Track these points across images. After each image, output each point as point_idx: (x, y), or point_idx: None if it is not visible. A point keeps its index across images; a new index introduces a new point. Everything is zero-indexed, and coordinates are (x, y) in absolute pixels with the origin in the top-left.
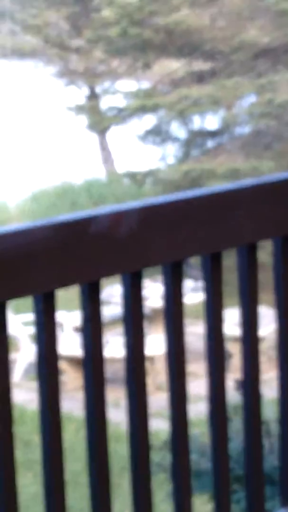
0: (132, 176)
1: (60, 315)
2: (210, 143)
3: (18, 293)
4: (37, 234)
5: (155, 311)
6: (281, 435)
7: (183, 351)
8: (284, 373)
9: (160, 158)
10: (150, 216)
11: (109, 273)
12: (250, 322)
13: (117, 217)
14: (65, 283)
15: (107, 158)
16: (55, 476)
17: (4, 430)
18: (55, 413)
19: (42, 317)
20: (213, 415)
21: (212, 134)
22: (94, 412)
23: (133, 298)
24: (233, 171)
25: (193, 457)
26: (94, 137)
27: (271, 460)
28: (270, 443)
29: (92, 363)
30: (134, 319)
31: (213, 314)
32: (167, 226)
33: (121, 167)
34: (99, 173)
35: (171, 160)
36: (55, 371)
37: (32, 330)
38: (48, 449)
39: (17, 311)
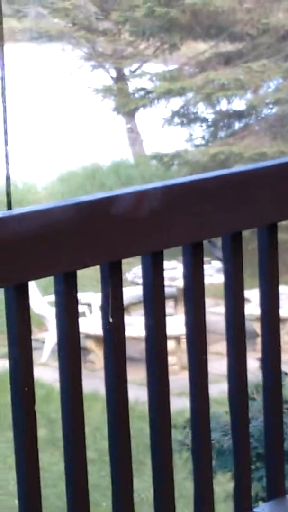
0: (160, 158)
1: (88, 296)
2: (237, 125)
3: (39, 274)
4: (58, 214)
5: (182, 292)
6: None
7: (204, 331)
8: None
9: (187, 139)
10: (171, 197)
11: (130, 253)
12: (270, 302)
13: (139, 198)
14: (85, 264)
15: (134, 140)
16: (77, 454)
17: (28, 408)
18: (76, 393)
19: (63, 298)
20: (234, 394)
21: (239, 115)
22: (115, 391)
23: (154, 279)
24: (261, 155)
25: (216, 435)
26: (121, 119)
27: None
28: None
29: (113, 342)
30: (155, 300)
31: (233, 294)
32: (187, 206)
33: (148, 149)
34: (127, 155)
35: (198, 142)
36: (77, 352)
37: None
38: (69, 429)
39: (46, 291)
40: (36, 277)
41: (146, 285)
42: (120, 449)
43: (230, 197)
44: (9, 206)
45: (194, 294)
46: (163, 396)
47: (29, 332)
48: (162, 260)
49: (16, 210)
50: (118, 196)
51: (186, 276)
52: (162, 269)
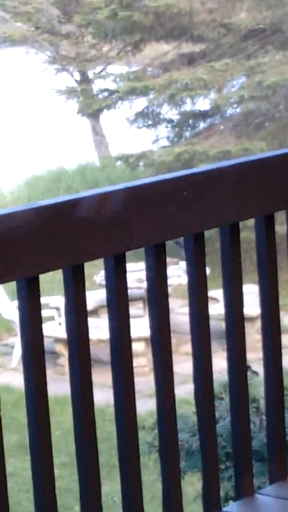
0: (125, 159)
1: (57, 299)
2: (201, 125)
3: (1, 278)
4: (18, 219)
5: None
6: (268, 412)
7: (169, 332)
8: (268, 350)
9: (153, 140)
10: (133, 199)
11: (92, 256)
12: (234, 301)
13: (100, 200)
14: (48, 268)
15: (100, 142)
16: (44, 459)
17: None
18: (42, 398)
19: (26, 302)
20: (200, 394)
21: (203, 115)
22: (80, 394)
23: (117, 281)
24: (225, 153)
25: (184, 436)
26: (86, 122)
27: (261, 438)
28: (261, 420)
29: (78, 345)
30: (118, 302)
31: (197, 294)
32: (149, 208)
33: (114, 151)
34: (93, 158)
35: (164, 143)
36: (41, 356)
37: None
38: (35, 433)
39: (14, 296)
40: None
41: (110, 288)
42: (87, 452)
43: (191, 197)
44: None
45: (157, 295)
46: (129, 398)
47: None
48: (125, 262)
49: None
50: (79, 199)
51: (149, 278)
52: (125, 271)
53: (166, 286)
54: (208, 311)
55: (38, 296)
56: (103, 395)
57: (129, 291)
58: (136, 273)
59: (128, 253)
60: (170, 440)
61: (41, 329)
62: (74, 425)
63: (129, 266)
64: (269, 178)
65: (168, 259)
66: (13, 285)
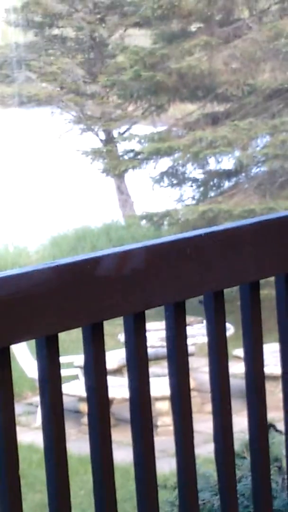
0: (150, 217)
1: (81, 358)
2: (226, 184)
3: (20, 337)
4: (37, 278)
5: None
6: None
7: (189, 392)
8: None
9: (178, 199)
10: (153, 257)
11: (111, 314)
12: (255, 359)
13: (120, 259)
14: (67, 326)
15: (125, 201)
16: None
17: (12, 474)
18: (61, 458)
19: (46, 361)
20: (220, 454)
21: (228, 174)
22: (99, 454)
23: (136, 339)
24: (250, 212)
25: (206, 495)
26: (111, 181)
27: (283, 497)
28: (283, 480)
29: (97, 405)
30: (138, 361)
31: (217, 353)
32: (169, 266)
33: (139, 210)
34: (117, 216)
35: (189, 202)
36: (61, 417)
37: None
38: (55, 495)
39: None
40: (17, 341)
41: (129, 346)
42: (107, 511)
43: (212, 255)
44: None
45: (177, 355)
46: (149, 458)
47: (11, 396)
48: (144, 320)
49: None
50: (99, 257)
51: (169, 337)
52: (144, 330)
53: (186, 345)
54: (228, 370)
55: (58, 355)
56: (127, 454)
57: (153, 350)
58: (160, 332)
59: (152, 312)
60: (190, 499)
61: (60, 388)
62: (94, 485)
63: (154, 325)
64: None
65: (192, 318)
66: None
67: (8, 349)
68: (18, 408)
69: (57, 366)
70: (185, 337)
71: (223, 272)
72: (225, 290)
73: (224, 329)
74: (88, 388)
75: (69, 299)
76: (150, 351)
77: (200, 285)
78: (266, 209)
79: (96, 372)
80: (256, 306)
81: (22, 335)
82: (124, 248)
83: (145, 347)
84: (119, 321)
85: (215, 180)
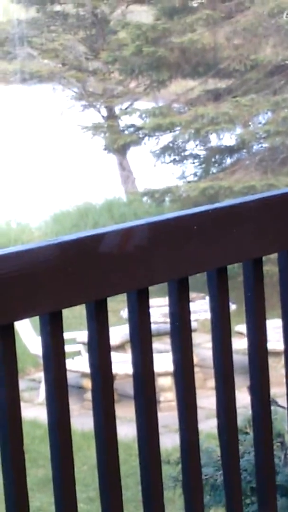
0: (151, 194)
1: (83, 334)
2: (227, 160)
3: (23, 314)
4: (40, 254)
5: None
6: None
7: (192, 368)
8: None
9: (180, 176)
10: (156, 233)
11: (115, 291)
12: (258, 335)
13: (123, 235)
14: (71, 303)
15: (127, 177)
16: (67, 494)
17: (16, 449)
18: (65, 433)
19: (50, 337)
20: (223, 429)
21: (230, 150)
22: (103, 429)
23: (140, 316)
24: (250, 188)
25: (209, 471)
26: (113, 157)
27: (286, 473)
28: (286, 455)
29: (101, 380)
30: (141, 337)
31: (220, 329)
32: (172, 243)
33: (141, 187)
34: (119, 193)
35: (190, 178)
36: (65, 392)
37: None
38: (59, 470)
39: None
40: (21, 317)
41: (132, 322)
42: (110, 487)
43: (214, 232)
44: None
45: (181, 330)
46: (153, 433)
47: (15, 373)
48: (148, 297)
49: None
50: (102, 234)
51: (172, 313)
52: (147, 306)
53: (189, 321)
54: (232, 346)
55: (62, 331)
56: (130, 430)
57: (156, 326)
58: (163, 308)
59: (155, 288)
60: (193, 474)
61: (64, 364)
62: (98, 460)
63: (157, 301)
64: None
65: (195, 294)
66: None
67: (12, 325)
68: (21, 384)
69: (61, 342)
70: (188, 313)
71: (226, 249)
72: (228, 267)
73: (227, 306)
74: (92, 364)
75: (72, 275)
76: (152, 327)
77: (204, 261)
78: (267, 186)
79: (99, 349)
80: (259, 283)
81: (26, 311)
82: (127, 224)
83: (149, 323)
84: (122, 298)
85: (217, 157)
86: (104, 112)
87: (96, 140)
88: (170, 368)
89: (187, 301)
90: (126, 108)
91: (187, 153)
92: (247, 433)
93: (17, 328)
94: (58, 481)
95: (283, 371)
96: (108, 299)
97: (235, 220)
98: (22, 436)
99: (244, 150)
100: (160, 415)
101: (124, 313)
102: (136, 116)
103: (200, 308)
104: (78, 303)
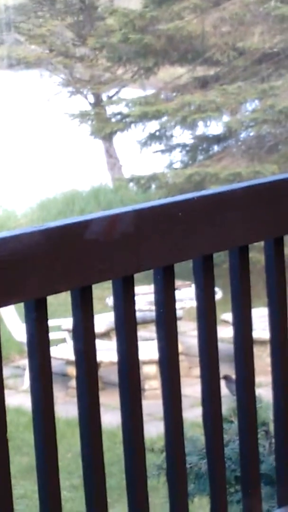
0: (137, 180)
1: (69, 322)
2: (214, 148)
3: (8, 300)
4: (26, 241)
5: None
6: (276, 436)
7: (177, 356)
8: (277, 373)
9: (167, 164)
10: (142, 221)
11: (100, 278)
12: (243, 323)
13: (109, 222)
14: (56, 289)
15: (113, 165)
16: (50, 482)
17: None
18: (49, 421)
19: (34, 324)
20: (208, 418)
21: (217, 139)
22: (87, 417)
23: (125, 303)
24: (236, 175)
25: (193, 459)
26: (100, 144)
27: (270, 461)
28: (270, 444)
29: (85, 368)
30: (126, 324)
31: (205, 317)
32: (158, 230)
33: (127, 173)
34: (106, 180)
35: (177, 165)
36: (49, 379)
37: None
38: (42, 457)
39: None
40: (5, 304)
41: (118, 310)
42: (94, 474)
43: (200, 219)
44: None
45: (166, 318)
46: (137, 421)
47: None
48: (133, 284)
49: None
50: (87, 220)
51: (158, 301)
52: (133, 294)
53: (174, 309)
54: (217, 334)
55: (46, 318)
56: (114, 417)
57: (141, 313)
58: (149, 296)
59: (141, 276)
60: (177, 463)
61: (48, 351)
62: (82, 448)
63: (142, 288)
64: (278, 201)
65: (180, 282)
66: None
67: None
68: (6, 371)
69: (45, 329)
70: (174, 301)
71: (212, 236)
72: (214, 254)
73: (213, 294)
74: (77, 352)
75: (58, 262)
76: (138, 314)
77: (190, 249)
78: (253, 173)
79: (84, 336)
80: (245, 271)
81: (11, 297)
82: (113, 211)
83: (134, 311)
84: (107, 285)
85: (204, 145)
86: (91, 98)
87: (83, 127)
88: (155, 356)
89: (172, 288)
90: (112, 96)
91: (174, 140)
92: (231, 422)
93: (1, 314)
94: (42, 469)
95: (268, 360)
96: (94, 286)
97: (221, 207)
98: (6, 423)
99: (231, 138)
100: (144, 403)
101: (110, 301)
102: (123, 104)
103: (186, 296)
104: (63, 289)
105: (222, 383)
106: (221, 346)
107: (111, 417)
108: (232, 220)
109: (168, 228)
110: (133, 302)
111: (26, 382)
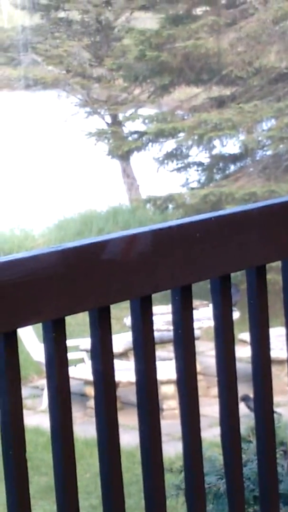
0: (154, 201)
1: (86, 342)
2: (231, 167)
3: (26, 321)
4: (45, 261)
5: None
6: None
7: (195, 376)
8: None
9: (183, 183)
10: (159, 241)
11: (118, 298)
12: (261, 343)
13: (127, 242)
14: (74, 310)
15: (130, 185)
16: (69, 502)
17: (19, 458)
18: (67, 441)
19: (52, 345)
20: (226, 438)
21: (233, 158)
22: (106, 437)
23: (143, 323)
24: (251, 195)
25: (212, 479)
26: (117, 164)
27: None
28: None
29: (104, 388)
30: (144, 344)
31: (223, 337)
32: (176, 250)
33: (144, 193)
34: (123, 200)
35: (194, 185)
36: (67, 399)
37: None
38: (61, 478)
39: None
40: (24, 324)
41: (136, 330)
42: (113, 494)
43: (218, 239)
44: None
45: (184, 338)
46: (155, 441)
47: (18, 380)
48: (151, 304)
49: (2, 258)
50: (105, 241)
51: (175, 321)
52: (151, 313)
53: (192, 328)
54: (235, 354)
55: (65, 339)
56: (133, 437)
57: (159, 333)
58: (166, 316)
59: (158, 296)
60: (196, 483)
61: (67, 371)
62: (100, 467)
63: (159, 308)
64: None
65: (198, 302)
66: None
67: (15, 332)
68: (24, 391)
69: (64, 349)
70: (191, 320)
71: (229, 256)
72: (231, 274)
73: (230, 313)
74: (95, 372)
75: (76, 282)
76: (155, 334)
77: (207, 269)
78: (268, 192)
79: (103, 356)
80: (262, 291)
81: (29, 318)
82: (130, 231)
83: (152, 331)
84: (125, 305)
85: (220, 164)
86: (108, 119)
87: (100, 147)
88: (173, 376)
89: (190, 309)
90: (130, 115)
91: (190, 159)
92: (250, 441)
93: (20, 334)
94: (61, 489)
95: (286, 379)
96: (111, 306)
97: (239, 227)
98: (25, 443)
99: (248, 157)
100: (163, 423)
101: (127, 321)
102: (139, 122)
103: (203, 316)
104: (81, 310)
105: (241, 403)
106: (239, 365)
107: (129, 437)
108: (249, 240)
109: (186, 248)
110: (151, 322)
111: (44, 402)
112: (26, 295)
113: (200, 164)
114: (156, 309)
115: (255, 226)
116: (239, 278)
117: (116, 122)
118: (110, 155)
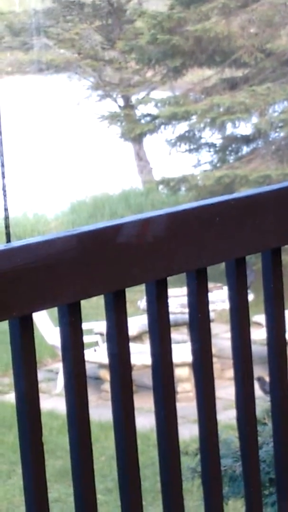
0: (166, 183)
1: (101, 325)
2: (244, 149)
3: (42, 305)
4: (59, 245)
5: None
6: None
7: (211, 358)
8: None
9: (196, 164)
10: (174, 224)
11: (134, 282)
12: (276, 325)
13: (142, 226)
14: (89, 293)
15: (143, 167)
16: (86, 485)
17: (35, 441)
18: (83, 425)
19: (68, 328)
20: (242, 420)
21: (246, 140)
22: (122, 420)
23: (158, 306)
24: (265, 177)
25: (228, 462)
26: (130, 147)
27: None
28: None
29: (119, 371)
30: (160, 327)
31: (239, 320)
32: (191, 233)
33: (157, 176)
34: (136, 183)
35: (206, 167)
36: (83, 383)
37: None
38: (77, 461)
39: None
40: (39, 308)
41: (151, 313)
42: (129, 477)
43: (233, 222)
44: (8, 239)
45: (199, 321)
46: (171, 423)
47: (34, 364)
48: (166, 287)
49: (17, 242)
50: (120, 224)
51: (191, 303)
52: (166, 297)
53: (208, 311)
54: (250, 336)
55: (80, 322)
56: (148, 420)
57: (173, 316)
58: (180, 298)
59: (172, 278)
60: (212, 465)
61: (83, 355)
62: (116, 451)
63: (173, 291)
64: None
65: (212, 284)
66: (56, 311)
67: (31, 316)
68: (39, 375)
69: (79, 333)
70: (207, 303)
71: (245, 239)
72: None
73: (246, 296)
74: (111, 355)
75: (91, 266)
76: (170, 317)
77: (222, 251)
78: (282, 175)
79: (118, 339)
80: (277, 272)
81: (45, 302)
82: (146, 215)
83: (167, 314)
84: (139, 288)
85: (233, 146)
86: (121, 101)
87: (113, 130)
88: (188, 358)
89: (205, 291)
90: (142, 98)
91: (202, 141)
92: (265, 424)
93: (34, 319)
94: (77, 472)
95: None
96: (126, 289)
97: (254, 210)
98: (41, 427)
99: (260, 139)
100: (177, 405)
101: (141, 304)
102: (151, 105)
103: (217, 299)
104: (97, 294)
105: (256, 384)
106: (253, 347)
107: (144, 420)
108: (265, 222)
109: (201, 231)
110: (166, 305)
111: (59, 385)
112: (42, 279)
113: (212, 145)
114: (170, 291)
115: (270, 208)
116: (252, 260)
117: (128, 105)
118: (122, 138)
